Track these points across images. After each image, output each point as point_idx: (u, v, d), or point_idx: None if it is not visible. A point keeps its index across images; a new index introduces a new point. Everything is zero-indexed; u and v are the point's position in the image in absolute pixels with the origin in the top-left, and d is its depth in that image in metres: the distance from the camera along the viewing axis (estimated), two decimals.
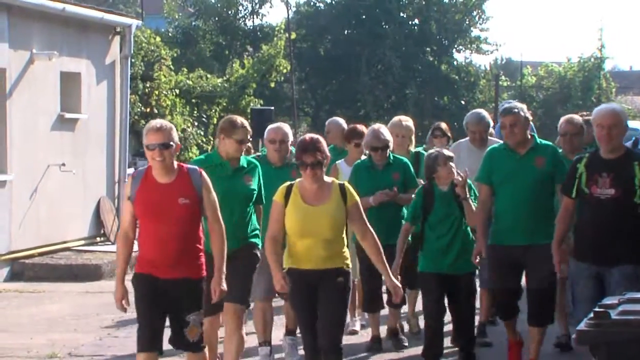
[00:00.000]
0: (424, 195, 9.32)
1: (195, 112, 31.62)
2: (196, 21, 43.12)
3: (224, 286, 7.67)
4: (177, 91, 30.49)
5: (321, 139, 7.72)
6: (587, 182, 7.91)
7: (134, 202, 7.51)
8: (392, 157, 10.29)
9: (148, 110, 28.01)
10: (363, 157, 11.11)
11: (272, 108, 29.37)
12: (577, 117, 10.50)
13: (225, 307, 8.52)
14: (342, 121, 12.59)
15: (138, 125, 25.43)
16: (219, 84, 34.04)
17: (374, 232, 7.88)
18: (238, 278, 8.27)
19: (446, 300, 9.53)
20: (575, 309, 8.10)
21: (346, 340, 10.15)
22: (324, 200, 7.61)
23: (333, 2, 46.19)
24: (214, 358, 8.98)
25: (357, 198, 7.81)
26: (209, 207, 7.62)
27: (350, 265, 7.46)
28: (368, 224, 7.83)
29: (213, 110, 31.67)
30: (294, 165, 9.19)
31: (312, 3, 46.59)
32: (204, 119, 32.04)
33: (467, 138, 10.94)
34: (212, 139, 30.02)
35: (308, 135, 7.64)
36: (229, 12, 43.65)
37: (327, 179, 7.79)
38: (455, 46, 47.03)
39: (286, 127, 10.00)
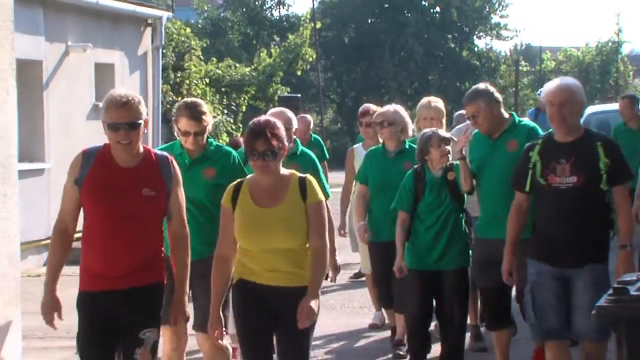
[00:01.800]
0: (415, 179, 8.06)
1: (225, 100, 31.76)
2: (224, 12, 43.11)
3: (187, 311, 5.99)
4: (207, 80, 30.73)
5: (279, 123, 5.92)
6: (543, 171, 6.57)
7: (83, 186, 5.59)
8: (407, 145, 9.01)
9: (179, 99, 27.64)
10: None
11: (299, 95, 29.21)
12: None
13: (200, 339, 6.90)
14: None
15: (170, 114, 25.27)
16: (247, 73, 34.29)
17: (328, 248, 5.94)
18: (209, 301, 6.09)
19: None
20: (537, 319, 6.66)
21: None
22: (279, 200, 5.74)
23: None
24: None
25: (322, 196, 5.95)
26: (176, 205, 5.81)
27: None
28: (327, 235, 5.90)
29: (242, 99, 31.83)
30: (294, 156, 7.95)
31: None
32: (233, 107, 32.11)
33: None
34: (241, 126, 29.83)
35: (263, 118, 5.92)
36: (256, 3, 43.50)
37: (285, 172, 5.85)
38: (476, 33, 46.67)
39: (289, 113, 8.32)
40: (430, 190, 7.92)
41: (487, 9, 45.80)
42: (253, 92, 33.14)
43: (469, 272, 8.24)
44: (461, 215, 8.04)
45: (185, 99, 7.28)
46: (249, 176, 6.00)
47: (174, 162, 5.89)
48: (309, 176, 5.89)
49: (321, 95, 39.75)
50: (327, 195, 7.67)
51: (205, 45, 33.15)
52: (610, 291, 5.62)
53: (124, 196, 5.59)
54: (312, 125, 13.89)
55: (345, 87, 46.52)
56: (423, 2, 44.91)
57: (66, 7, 19.45)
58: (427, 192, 7.93)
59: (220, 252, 5.85)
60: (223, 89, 31.89)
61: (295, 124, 8.33)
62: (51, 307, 5.61)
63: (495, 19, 46.56)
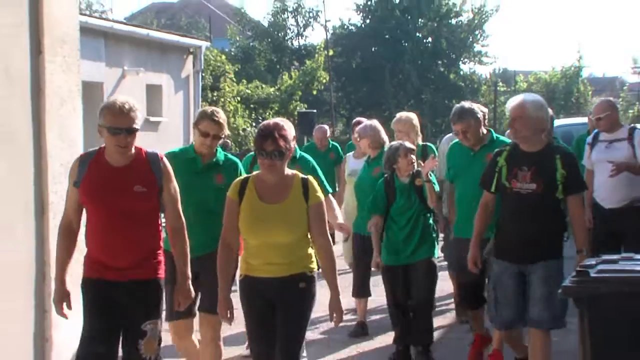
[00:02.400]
0: (386, 186, 7.77)
1: (253, 115, 31.51)
2: (253, 42, 42.98)
3: (192, 292, 5.48)
4: (239, 98, 30.57)
5: (286, 125, 5.48)
6: (507, 176, 6.27)
7: (80, 187, 5.19)
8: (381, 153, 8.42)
9: None
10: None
11: (315, 111, 28.99)
12: None
13: (201, 318, 6.39)
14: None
15: None
16: (272, 92, 34.08)
17: (331, 244, 5.60)
18: (211, 286, 5.80)
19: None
20: (497, 310, 6.46)
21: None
22: (282, 198, 5.28)
23: (362, 25, 45.70)
24: None
25: (322, 197, 5.49)
26: (169, 199, 5.32)
27: (315, 269, 5.26)
28: (328, 232, 5.49)
29: (267, 114, 31.42)
30: (295, 160, 7.23)
31: (345, 26, 46.09)
32: (260, 121, 31.54)
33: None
34: None
35: (272, 121, 5.48)
36: (279, 34, 43.45)
37: (288, 172, 5.39)
38: (462, 59, 46.54)
39: (288, 123, 7.66)
40: (400, 195, 7.61)
41: (471, 40, 45.53)
42: (277, 108, 32.91)
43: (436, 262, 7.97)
44: (429, 215, 7.66)
45: (207, 107, 6.90)
46: (254, 173, 5.50)
47: (164, 159, 5.40)
48: (310, 177, 5.45)
49: (333, 110, 39.84)
50: (327, 192, 7.04)
51: (237, 69, 33.11)
52: (574, 273, 5.57)
53: (117, 194, 5.15)
54: (328, 134, 13.26)
55: (353, 104, 46.30)
56: (417, 34, 44.67)
57: (123, 37, 19.69)
58: (397, 197, 7.64)
59: (225, 239, 5.39)
60: (252, 106, 31.63)
61: (293, 133, 7.56)
62: (61, 298, 5.21)
63: (477, 47, 46.36)
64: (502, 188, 6.31)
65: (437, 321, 8.59)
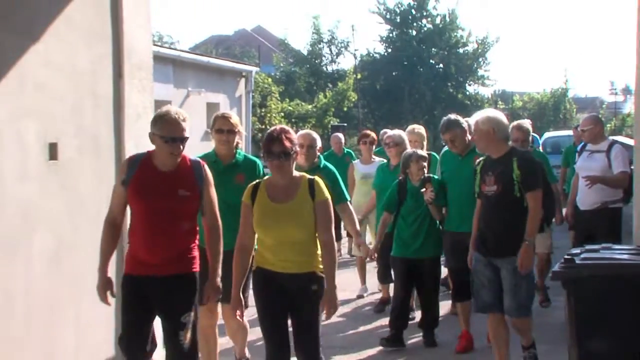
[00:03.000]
0: (399, 188, 7.52)
1: (294, 127, 30.93)
2: (294, 67, 42.61)
3: (220, 287, 5.02)
4: (282, 114, 30.61)
5: (291, 130, 5.16)
6: (480, 181, 6.10)
7: (129, 187, 4.82)
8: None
9: (263, 127, 27.74)
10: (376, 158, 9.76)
11: (345, 124, 29.02)
12: (525, 124, 8.27)
13: (224, 310, 5.99)
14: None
15: (257, 137, 25.11)
16: (309, 109, 34.24)
17: (334, 241, 5.10)
18: (227, 279, 5.33)
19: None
20: (476, 295, 6.23)
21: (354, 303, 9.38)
22: (291, 197, 4.90)
23: (385, 53, 45.11)
24: (215, 350, 6.23)
25: (328, 195, 5.04)
26: (208, 202, 4.96)
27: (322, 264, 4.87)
28: (333, 230, 5.05)
29: (305, 126, 31.04)
30: (318, 169, 7.07)
31: (371, 54, 45.49)
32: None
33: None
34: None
35: (279, 126, 5.09)
36: (316, 61, 42.99)
37: (297, 174, 5.00)
38: (467, 82, 45.77)
39: (314, 134, 7.49)
40: (410, 196, 7.38)
41: (475, 66, 44.67)
42: (313, 122, 32.78)
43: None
44: None
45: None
46: (266, 177, 5.13)
47: (206, 167, 5.07)
48: (317, 178, 4.98)
49: (360, 124, 39.25)
50: (345, 199, 6.79)
51: (280, 90, 32.83)
52: (562, 260, 5.51)
53: (162, 196, 4.78)
54: (343, 141, 12.60)
55: (377, 118, 45.25)
56: (431, 61, 44.13)
57: (187, 64, 19.92)
58: (408, 198, 7.41)
59: (241, 242, 4.97)
60: (293, 120, 31.43)
61: (319, 144, 7.46)
62: (104, 288, 4.84)
63: (480, 72, 45.45)
64: (478, 192, 6.16)
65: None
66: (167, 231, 4.80)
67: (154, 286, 4.79)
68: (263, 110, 29.03)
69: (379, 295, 9.31)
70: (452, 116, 7.42)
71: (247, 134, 21.93)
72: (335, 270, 4.96)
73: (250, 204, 4.92)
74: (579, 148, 8.37)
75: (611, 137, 8.59)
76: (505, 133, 6.21)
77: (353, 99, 38.06)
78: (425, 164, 7.53)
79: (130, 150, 6.31)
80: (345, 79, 38.33)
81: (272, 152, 4.83)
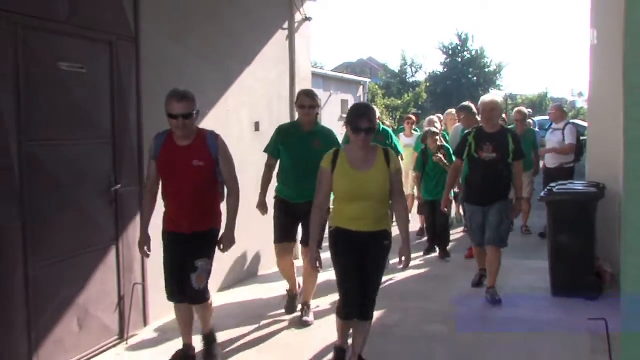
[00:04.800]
0: (422, 155, 7.43)
1: (391, 114, 33.98)
2: (391, 79, 48.23)
3: (234, 239, 4.31)
4: (384, 106, 34.30)
5: (375, 107, 4.37)
6: (476, 148, 5.60)
7: (157, 161, 4.22)
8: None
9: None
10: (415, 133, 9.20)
11: (420, 112, 27.85)
12: (523, 109, 8.51)
13: (303, 251, 5.30)
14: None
15: None
16: (399, 103, 38.05)
17: (407, 202, 4.55)
18: (307, 226, 4.79)
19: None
20: (471, 235, 5.88)
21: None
22: (371, 165, 4.08)
23: (443, 71, 52.10)
24: (295, 285, 5.45)
25: (401, 165, 4.24)
26: (225, 168, 4.22)
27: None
28: (404, 191, 4.18)
29: (397, 114, 34.50)
30: (379, 132, 6.12)
31: (434, 72, 52.07)
32: (392, 119, 32.31)
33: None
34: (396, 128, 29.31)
35: (362, 102, 3.62)
36: (403, 76, 49.54)
37: (372, 144, 4.08)
38: (490, 88, 50.81)
39: (373, 106, 4.68)
40: (430, 160, 7.26)
41: (494, 79, 52.41)
42: (401, 111, 35.60)
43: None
44: (446, 173, 6.73)
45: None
46: (344, 146, 4.19)
47: (220, 138, 4.19)
48: (389, 149, 4.15)
49: (427, 113, 37.44)
50: (398, 153, 6.56)
51: (382, 92, 37.50)
52: (545, 190, 5.75)
53: (181, 168, 4.12)
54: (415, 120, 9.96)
55: (437, 109, 41.30)
56: (469, 76, 51.67)
57: (330, 78, 22.53)
58: (429, 161, 7.30)
59: (318, 202, 4.08)
60: (390, 110, 34.98)
61: (378, 114, 6.03)
62: (144, 242, 4.27)
63: (498, 82, 52.13)
64: (472, 157, 5.56)
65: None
66: (190, 197, 4.09)
67: (182, 240, 4.15)
68: (373, 104, 26.22)
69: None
70: (465, 103, 7.45)
71: None
72: (409, 227, 4.13)
73: (330, 170, 4.02)
74: (547, 126, 8.55)
75: (569, 120, 8.38)
76: (502, 113, 5.79)
77: (424, 98, 42.87)
78: (438, 137, 7.28)
79: None
80: (420, 86, 43.66)
81: (359, 128, 3.90)
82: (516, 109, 8.57)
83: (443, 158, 7.05)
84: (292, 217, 4.96)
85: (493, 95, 5.66)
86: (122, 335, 4.61)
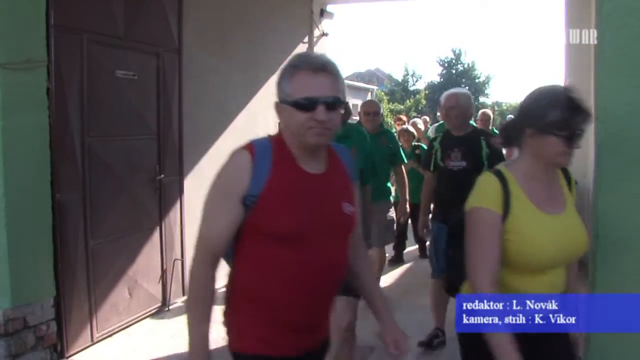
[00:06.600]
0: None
1: (395, 116, 30.78)
2: (394, 87, 49.00)
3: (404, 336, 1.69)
4: (389, 110, 34.17)
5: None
6: (441, 156, 4.00)
7: (257, 207, 1.31)
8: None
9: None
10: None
11: (420, 116, 22.87)
12: (488, 111, 7.44)
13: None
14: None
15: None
16: (402, 108, 38.66)
17: None
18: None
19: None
20: (434, 259, 4.05)
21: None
22: (560, 202, 1.87)
23: (440, 81, 53.15)
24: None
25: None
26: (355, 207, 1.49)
27: None
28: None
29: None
30: (382, 132, 5.13)
31: (432, 82, 52.67)
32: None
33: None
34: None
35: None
36: (405, 84, 50.49)
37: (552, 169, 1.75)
38: (480, 96, 52.41)
39: (378, 103, 5.18)
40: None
41: (484, 88, 53.82)
42: (404, 114, 28.12)
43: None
44: None
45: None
46: (506, 168, 1.85)
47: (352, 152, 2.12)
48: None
49: (427, 116, 45.80)
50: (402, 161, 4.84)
51: (387, 97, 38.28)
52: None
53: (321, 215, 1.65)
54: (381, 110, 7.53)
55: (434, 114, 47.11)
56: (462, 85, 48.62)
57: (352, 87, 23.66)
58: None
59: (480, 286, 1.70)
60: (394, 113, 33.49)
61: (382, 111, 5.32)
62: None
63: (486, 91, 53.38)
64: (438, 167, 4.01)
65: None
66: (329, 273, 1.67)
67: None
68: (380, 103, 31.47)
69: None
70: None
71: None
72: None
73: (501, 216, 1.74)
74: None
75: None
76: (472, 112, 4.03)
77: (424, 103, 43.72)
78: (414, 137, 6.32)
79: None
80: (420, 93, 44.59)
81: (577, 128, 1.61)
82: (481, 110, 7.48)
83: (417, 161, 5.87)
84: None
85: (457, 89, 4.04)
86: (164, 303, 4.77)
